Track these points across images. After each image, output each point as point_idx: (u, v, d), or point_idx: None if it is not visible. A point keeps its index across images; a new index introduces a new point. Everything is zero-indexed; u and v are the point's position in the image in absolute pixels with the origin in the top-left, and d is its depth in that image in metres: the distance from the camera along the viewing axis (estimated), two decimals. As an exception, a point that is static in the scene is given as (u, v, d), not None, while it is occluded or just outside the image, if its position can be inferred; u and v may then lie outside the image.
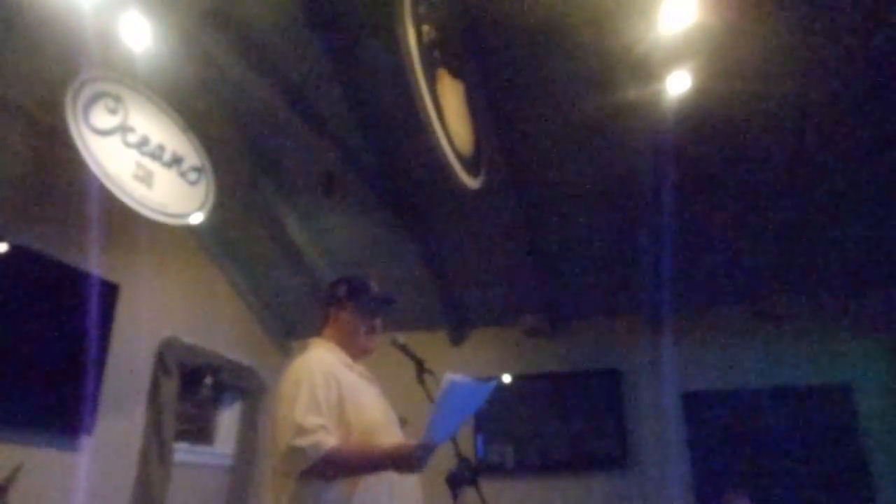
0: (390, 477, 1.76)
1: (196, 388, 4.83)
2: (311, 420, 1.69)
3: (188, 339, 4.54)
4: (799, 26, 3.15)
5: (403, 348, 2.02)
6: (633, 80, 3.39)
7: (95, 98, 3.05)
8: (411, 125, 3.04)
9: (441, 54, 2.88)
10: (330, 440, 1.68)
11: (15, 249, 3.39)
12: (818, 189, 3.95)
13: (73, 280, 3.67)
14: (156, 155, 3.36)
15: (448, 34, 3.07)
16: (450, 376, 1.58)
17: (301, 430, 1.67)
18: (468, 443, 4.91)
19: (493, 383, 1.71)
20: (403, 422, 2.00)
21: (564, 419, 4.93)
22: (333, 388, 1.80)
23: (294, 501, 1.70)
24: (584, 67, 3.43)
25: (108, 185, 3.02)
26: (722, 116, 3.56)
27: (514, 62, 3.52)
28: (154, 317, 4.34)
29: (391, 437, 1.86)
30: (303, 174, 4.23)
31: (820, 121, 3.57)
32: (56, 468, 3.52)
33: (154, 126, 3.38)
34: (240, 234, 4.81)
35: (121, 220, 3.71)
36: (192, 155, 3.60)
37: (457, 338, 5.42)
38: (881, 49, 3.20)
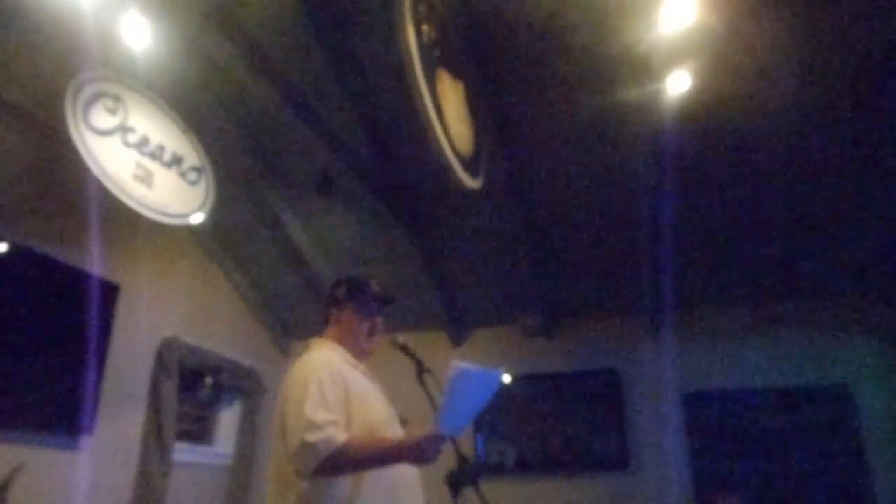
0: (392, 477, 1.77)
1: (196, 388, 4.83)
2: (322, 415, 1.69)
3: (188, 339, 4.54)
4: (799, 26, 3.15)
5: (403, 348, 2.02)
6: (633, 80, 3.38)
7: (95, 98, 3.05)
8: (411, 125, 3.04)
9: (441, 54, 2.88)
10: (341, 434, 1.68)
11: (15, 249, 3.39)
12: (818, 189, 3.95)
13: (73, 280, 3.67)
14: (156, 155, 3.36)
15: (448, 34, 3.07)
16: (457, 363, 1.58)
17: (312, 426, 1.67)
18: (468, 443, 4.91)
19: (501, 371, 1.71)
20: (404, 422, 2.00)
21: (564, 419, 4.93)
22: (340, 384, 1.80)
23: (303, 500, 1.70)
24: (585, 67, 3.43)
25: (108, 185, 3.02)
26: (722, 116, 3.56)
27: (513, 62, 3.52)
28: (154, 317, 4.34)
29: (395, 435, 1.87)
30: (303, 174, 4.22)
31: (820, 120, 3.57)
32: (56, 468, 3.52)
33: (154, 126, 3.38)
34: (240, 233, 4.81)
35: (121, 220, 3.71)
36: (192, 155, 3.59)
37: (457, 338, 5.42)
38: (881, 48, 3.20)
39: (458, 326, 5.39)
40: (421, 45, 2.56)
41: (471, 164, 3.13)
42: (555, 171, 4.14)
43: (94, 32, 2.90)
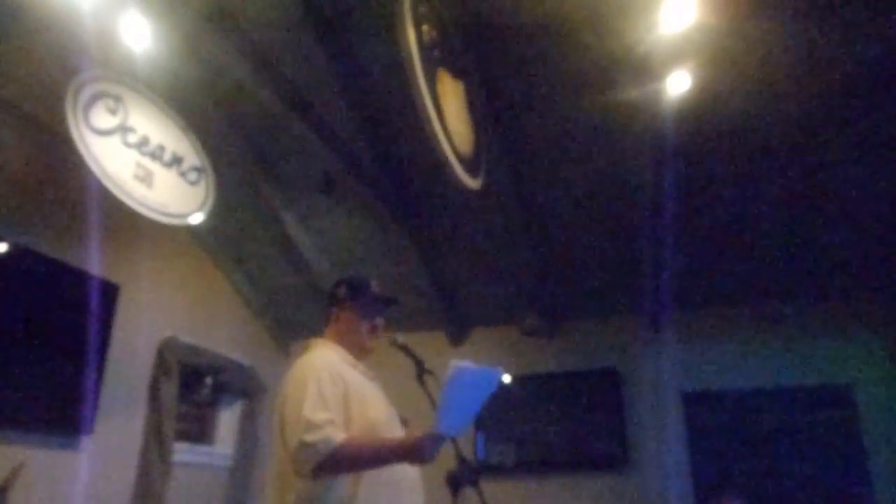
0: (392, 477, 1.77)
1: (196, 388, 4.83)
2: (320, 415, 1.70)
3: (188, 339, 4.54)
4: (799, 26, 3.15)
5: (403, 348, 2.02)
6: (633, 81, 3.38)
7: (95, 98, 3.05)
8: (411, 125, 3.04)
9: (441, 54, 2.88)
10: (339, 434, 1.68)
11: (15, 249, 3.39)
12: (818, 189, 3.95)
13: (73, 280, 3.67)
14: (156, 155, 3.36)
15: (448, 34, 3.07)
16: (455, 362, 1.58)
17: (310, 426, 1.67)
18: (468, 443, 4.91)
19: (499, 369, 1.71)
20: (404, 422, 2.00)
21: (564, 419, 4.93)
22: (339, 384, 1.81)
23: (301, 501, 1.70)
24: (585, 67, 3.43)
25: (108, 185, 3.02)
26: (722, 116, 3.56)
27: (513, 62, 3.52)
28: (154, 317, 4.34)
29: (395, 434, 1.87)
30: (303, 174, 4.22)
31: (820, 121, 3.57)
32: (56, 468, 3.52)
33: (154, 126, 3.38)
34: (239, 233, 4.81)
35: (121, 220, 3.71)
36: (192, 155, 3.59)
37: (457, 338, 5.42)
38: (882, 48, 3.20)
39: (458, 326, 5.39)
40: (421, 45, 2.56)
41: (471, 164, 3.13)
42: (555, 171, 4.14)
43: (94, 32, 2.90)
